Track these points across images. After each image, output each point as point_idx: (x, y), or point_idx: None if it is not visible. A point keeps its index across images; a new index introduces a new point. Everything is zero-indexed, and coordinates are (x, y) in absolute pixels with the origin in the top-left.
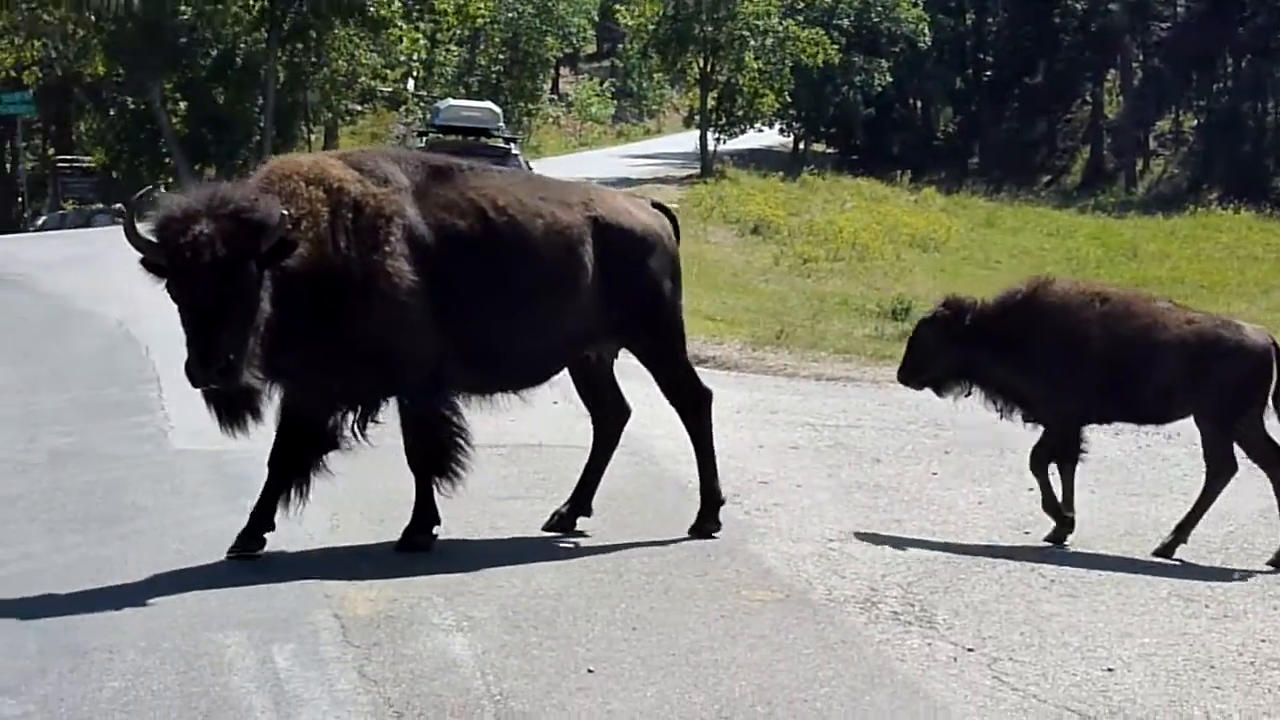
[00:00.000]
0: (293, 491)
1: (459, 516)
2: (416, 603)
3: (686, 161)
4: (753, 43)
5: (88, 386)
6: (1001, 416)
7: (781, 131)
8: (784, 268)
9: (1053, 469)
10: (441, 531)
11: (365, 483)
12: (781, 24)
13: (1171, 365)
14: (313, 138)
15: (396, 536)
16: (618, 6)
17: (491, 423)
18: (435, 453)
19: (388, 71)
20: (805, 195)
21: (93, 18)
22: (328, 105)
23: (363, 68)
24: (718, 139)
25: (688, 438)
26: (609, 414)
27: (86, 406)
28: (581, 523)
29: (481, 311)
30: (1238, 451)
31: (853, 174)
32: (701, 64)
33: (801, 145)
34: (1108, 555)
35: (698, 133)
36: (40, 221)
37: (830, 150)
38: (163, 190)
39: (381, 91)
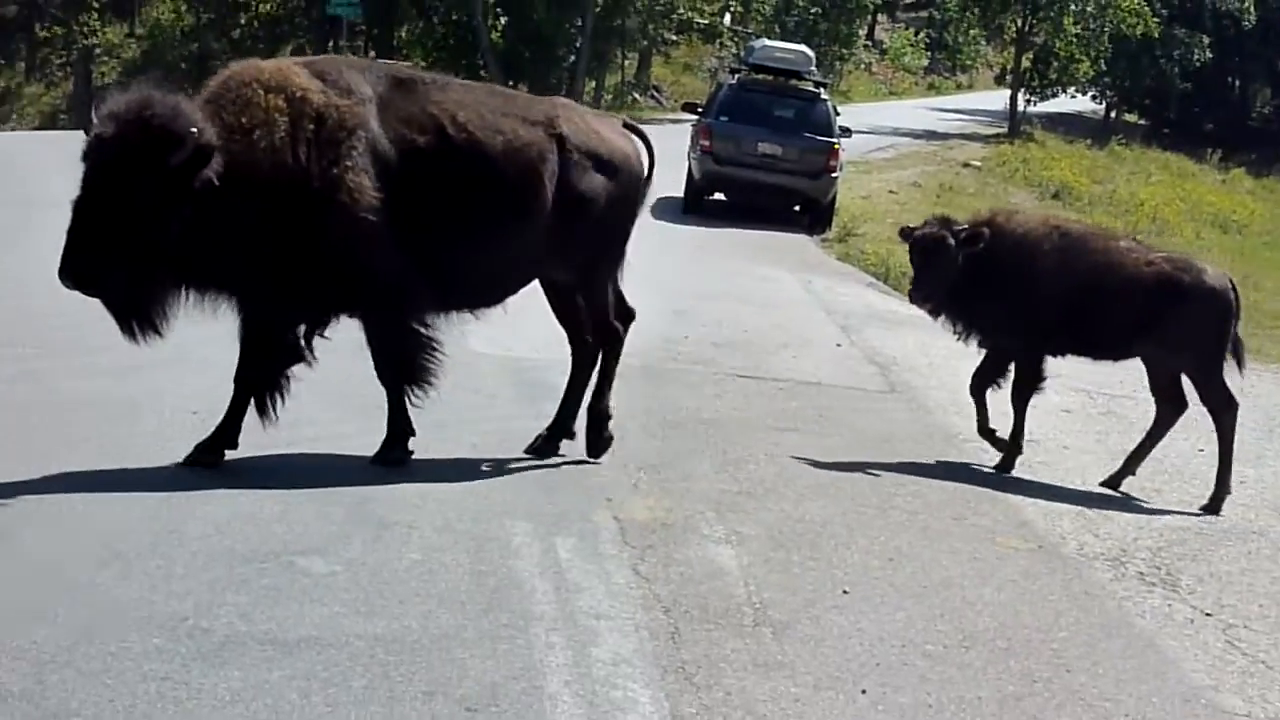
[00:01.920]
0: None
1: (737, 440)
2: (690, 514)
3: (994, 120)
4: (1073, 7)
5: None
6: (959, 339)
7: (1093, 98)
8: None
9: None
10: (718, 455)
11: (646, 399)
12: None
13: (1132, 305)
14: (626, 63)
15: (681, 452)
16: None
17: (776, 359)
18: (405, 364)
19: (706, 4)
20: (1111, 164)
21: None
22: (644, 32)
23: None
24: (1028, 100)
25: (958, 386)
26: (584, 334)
27: None
28: (853, 457)
29: (438, 229)
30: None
31: (1161, 147)
32: (1019, 23)
33: (1112, 114)
34: None
35: (1008, 92)
36: None
37: (1141, 121)
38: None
39: (698, 23)
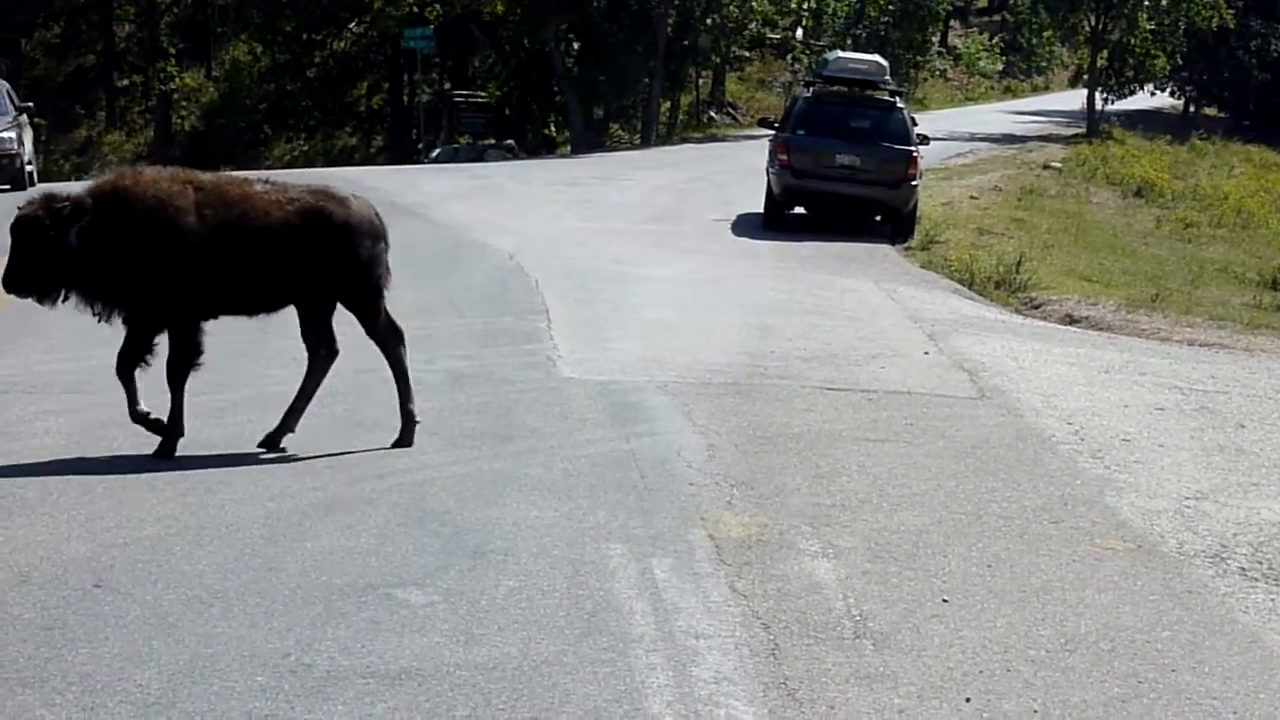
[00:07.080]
0: None
1: (829, 453)
2: (785, 529)
3: (1073, 120)
4: (1146, 2)
5: (481, 314)
6: (99, 320)
7: (1172, 94)
8: (1165, 231)
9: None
10: (810, 468)
11: (736, 415)
12: None
13: (282, 247)
14: (701, 81)
15: (773, 467)
16: None
17: (864, 370)
18: None
19: (778, 19)
20: (1192, 159)
21: None
22: (717, 50)
23: (753, 14)
24: (1105, 99)
25: (1049, 390)
26: None
27: (480, 333)
28: (946, 465)
29: None
30: None
31: (1243, 140)
32: (1093, 22)
33: (1192, 108)
34: None
35: (1085, 92)
36: (434, 154)
37: (1221, 115)
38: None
39: (770, 39)
